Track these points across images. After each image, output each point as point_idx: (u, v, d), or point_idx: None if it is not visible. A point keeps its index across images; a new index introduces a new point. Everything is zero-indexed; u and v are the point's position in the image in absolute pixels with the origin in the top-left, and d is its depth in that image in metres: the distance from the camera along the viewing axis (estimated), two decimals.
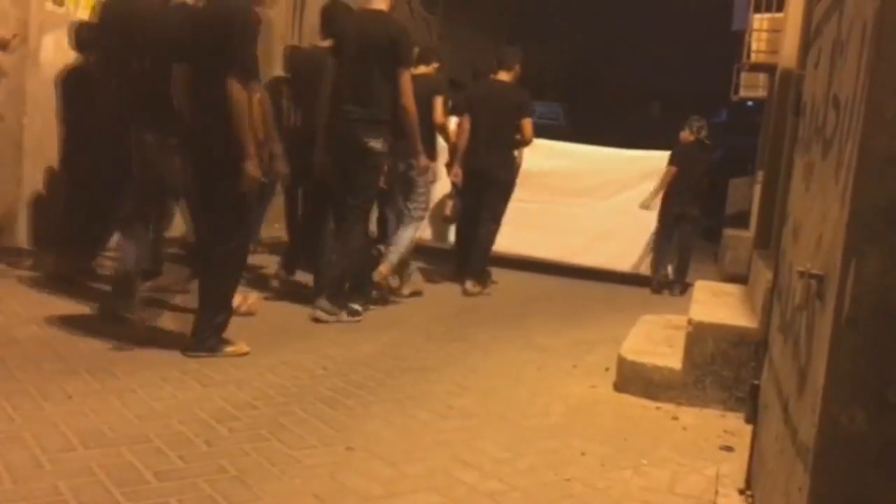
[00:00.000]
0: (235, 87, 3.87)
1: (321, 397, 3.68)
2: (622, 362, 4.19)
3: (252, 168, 3.91)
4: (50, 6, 5.95)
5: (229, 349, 4.11)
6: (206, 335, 4.09)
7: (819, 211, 1.90)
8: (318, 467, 2.92)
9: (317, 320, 5.00)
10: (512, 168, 6.69)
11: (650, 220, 7.47)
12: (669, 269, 7.44)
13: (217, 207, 4.10)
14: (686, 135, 7.48)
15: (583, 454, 3.26)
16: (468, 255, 6.72)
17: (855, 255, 1.50)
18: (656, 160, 7.56)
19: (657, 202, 7.44)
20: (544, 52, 17.47)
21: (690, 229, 7.49)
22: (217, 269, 4.13)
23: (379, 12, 5.13)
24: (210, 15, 4.09)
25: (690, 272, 7.57)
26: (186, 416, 3.29)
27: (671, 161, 7.37)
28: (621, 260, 7.59)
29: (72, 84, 5.27)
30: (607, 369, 4.39)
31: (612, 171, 7.75)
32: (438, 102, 5.90)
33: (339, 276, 5.12)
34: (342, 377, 4.01)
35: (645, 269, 7.56)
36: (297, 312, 5.37)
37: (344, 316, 5.06)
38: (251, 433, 3.18)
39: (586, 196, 7.63)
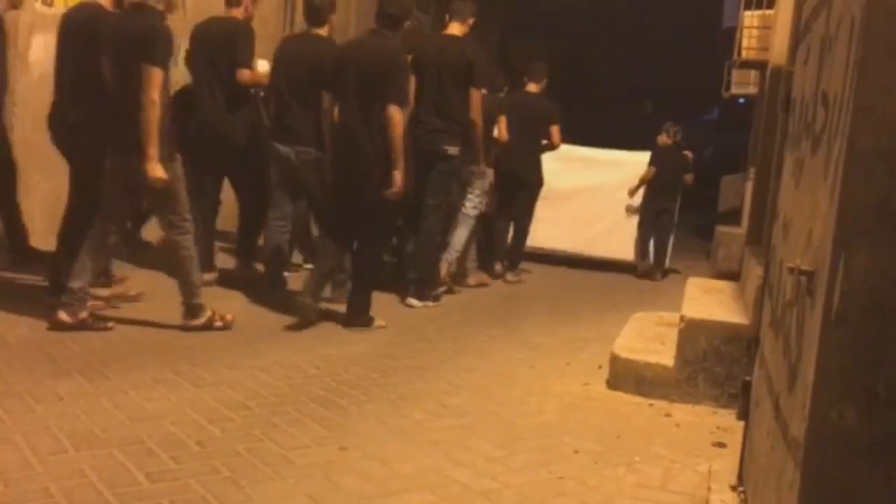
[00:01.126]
0: (397, 113, 4.77)
1: (314, 397, 3.68)
2: (615, 360, 4.20)
3: (400, 179, 4.85)
4: (39, 6, 5.92)
5: (377, 323, 5.05)
6: (364, 312, 5.02)
7: (809, 207, 1.90)
8: (311, 467, 2.92)
9: (410, 306, 5.70)
10: (540, 170, 7.36)
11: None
12: (651, 256, 8.16)
13: (371, 211, 4.96)
14: (663, 139, 8.25)
15: (576, 452, 3.26)
16: (497, 248, 7.49)
17: (844, 251, 1.50)
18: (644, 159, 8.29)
19: (638, 197, 8.18)
20: (536, 51, 17.48)
21: (668, 221, 8.18)
22: (373, 257, 5.15)
23: (457, 38, 5.99)
24: (372, 54, 4.95)
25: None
26: (179, 417, 3.28)
27: (651, 162, 8.09)
28: (623, 250, 8.24)
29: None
30: (600, 367, 4.39)
31: (609, 170, 8.43)
32: (502, 121, 6.71)
33: (426, 267, 5.85)
34: (335, 377, 4.00)
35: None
36: (288, 312, 5.37)
37: (430, 303, 5.78)
38: (244, 434, 3.18)
39: (592, 193, 8.33)
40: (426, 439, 3.29)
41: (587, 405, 3.89)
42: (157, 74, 4.17)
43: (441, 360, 4.51)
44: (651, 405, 3.93)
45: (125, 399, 3.43)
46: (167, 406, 3.40)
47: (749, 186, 6.92)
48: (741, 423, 2.96)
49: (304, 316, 4.88)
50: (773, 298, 2.46)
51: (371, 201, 4.91)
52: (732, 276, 5.62)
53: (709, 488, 2.86)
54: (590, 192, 8.28)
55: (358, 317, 5.02)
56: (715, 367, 3.92)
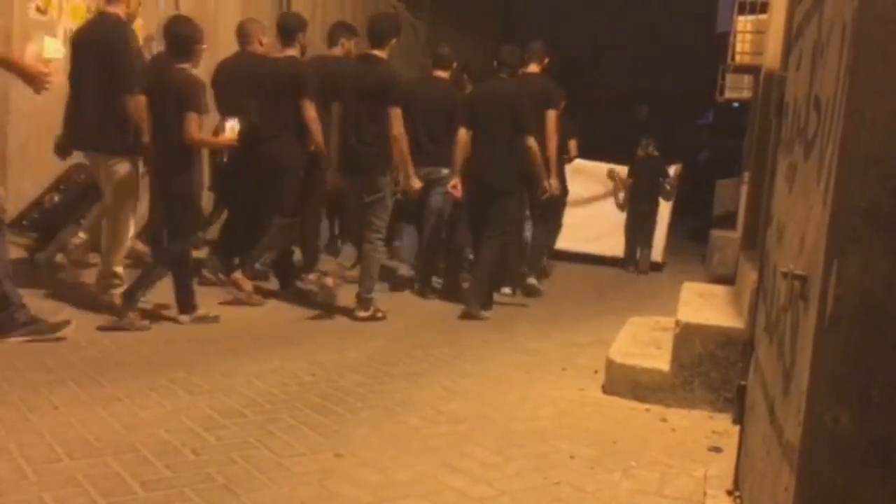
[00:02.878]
0: (534, 142, 6.03)
1: (310, 404, 3.67)
2: (610, 365, 4.20)
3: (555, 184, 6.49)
4: (33, 14, 5.92)
5: (485, 314, 5.84)
6: (486, 303, 5.91)
7: (802, 212, 1.90)
8: (306, 475, 2.91)
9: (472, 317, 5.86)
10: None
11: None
12: (637, 252, 9.41)
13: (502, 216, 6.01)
14: (640, 152, 9.58)
15: (572, 457, 3.25)
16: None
17: (837, 256, 1.50)
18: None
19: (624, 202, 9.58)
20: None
21: (651, 221, 9.40)
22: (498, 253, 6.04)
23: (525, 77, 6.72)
24: (505, 93, 6.17)
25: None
26: (173, 424, 3.27)
27: (629, 174, 9.50)
28: (616, 248, 9.44)
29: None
30: (596, 372, 4.39)
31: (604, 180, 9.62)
32: (573, 145, 7.55)
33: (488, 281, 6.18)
34: (331, 383, 3.99)
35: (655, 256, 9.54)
36: (284, 319, 5.37)
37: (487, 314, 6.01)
38: (239, 441, 3.16)
39: (595, 200, 9.56)
40: (422, 446, 3.28)
41: (583, 410, 3.89)
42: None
43: (436, 365, 4.51)
44: (647, 410, 3.93)
45: (120, 407, 3.42)
46: (162, 414, 3.39)
47: (744, 190, 6.94)
48: (737, 428, 2.96)
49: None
50: (767, 303, 2.47)
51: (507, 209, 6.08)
52: (728, 280, 5.63)
53: (705, 493, 2.86)
54: (585, 199, 9.31)
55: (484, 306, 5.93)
56: (710, 371, 3.91)
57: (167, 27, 4.99)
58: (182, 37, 4.90)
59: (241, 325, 5.03)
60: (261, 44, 6.08)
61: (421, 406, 3.77)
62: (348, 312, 5.50)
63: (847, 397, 1.51)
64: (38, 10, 5.96)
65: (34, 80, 4.32)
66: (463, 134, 6.03)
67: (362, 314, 5.48)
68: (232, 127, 5.31)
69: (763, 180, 4.30)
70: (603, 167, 9.61)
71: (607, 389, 4.16)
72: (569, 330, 5.68)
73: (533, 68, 6.95)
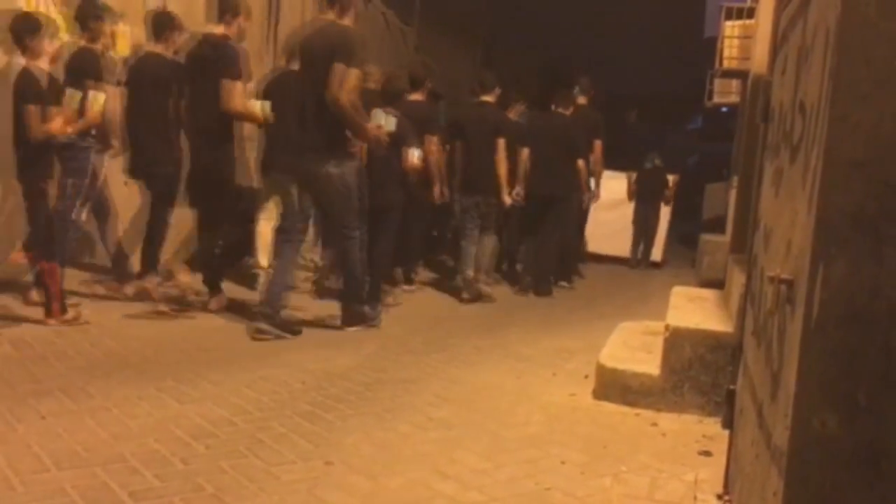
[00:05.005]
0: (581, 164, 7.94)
1: (299, 412, 3.66)
2: (601, 369, 4.20)
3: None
4: None
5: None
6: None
7: (788, 216, 1.91)
8: (296, 483, 2.90)
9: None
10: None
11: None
12: (640, 251, 10.67)
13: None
14: (648, 165, 10.83)
15: (563, 463, 3.25)
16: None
17: (822, 260, 1.50)
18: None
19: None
20: (520, 62, 17.51)
21: (653, 225, 10.65)
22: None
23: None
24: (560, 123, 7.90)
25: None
26: (162, 434, 3.25)
27: (636, 183, 10.67)
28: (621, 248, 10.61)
29: None
30: (586, 377, 4.39)
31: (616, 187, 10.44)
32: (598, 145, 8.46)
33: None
34: (321, 391, 3.98)
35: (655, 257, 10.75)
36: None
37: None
38: (228, 450, 3.15)
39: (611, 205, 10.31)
40: (412, 452, 3.27)
41: (573, 416, 3.89)
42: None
43: (427, 372, 4.50)
44: (637, 414, 3.93)
45: (108, 416, 3.40)
46: (151, 423, 3.38)
47: (733, 195, 6.97)
48: (727, 432, 2.96)
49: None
50: (755, 307, 2.47)
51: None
52: (718, 283, 5.64)
53: (695, 497, 2.86)
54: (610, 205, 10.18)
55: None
56: (700, 375, 3.92)
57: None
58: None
59: (231, 333, 5.00)
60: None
61: (411, 413, 3.76)
62: (331, 321, 5.45)
63: (834, 401, 1.51)
64: None
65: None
66: (525, 153, 7.35)
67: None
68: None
69: (751, 184, 4.31)
70: (618, 175, 10.52)
71: (598, 394, 4.16)
72: (559, 335, 5.69)
73: (582, 100, 8.31)
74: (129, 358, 4.29)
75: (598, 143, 8.24)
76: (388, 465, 3.12)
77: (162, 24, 5.87)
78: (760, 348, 2.16)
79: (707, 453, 3.42)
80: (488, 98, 7.18)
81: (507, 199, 7.09)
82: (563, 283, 8.05)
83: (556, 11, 21.00)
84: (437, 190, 6.75)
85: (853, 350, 1.49)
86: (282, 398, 3.83)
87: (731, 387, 2.85)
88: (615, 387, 4.09)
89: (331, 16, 5.19)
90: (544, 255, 7.61)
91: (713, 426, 3.70)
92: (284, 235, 5.27)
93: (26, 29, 4.99)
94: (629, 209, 10.54)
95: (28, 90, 4.90)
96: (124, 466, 2.91)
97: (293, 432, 3.40)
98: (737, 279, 3.94)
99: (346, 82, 4.90)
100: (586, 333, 5.61)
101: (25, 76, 4.95)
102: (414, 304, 6.55)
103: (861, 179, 1.49)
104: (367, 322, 5.40)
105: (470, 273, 6.96)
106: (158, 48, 5.83)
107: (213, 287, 5.64)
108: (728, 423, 2.79)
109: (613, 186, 10.03)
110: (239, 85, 5.39)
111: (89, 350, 4.38)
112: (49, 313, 4.78)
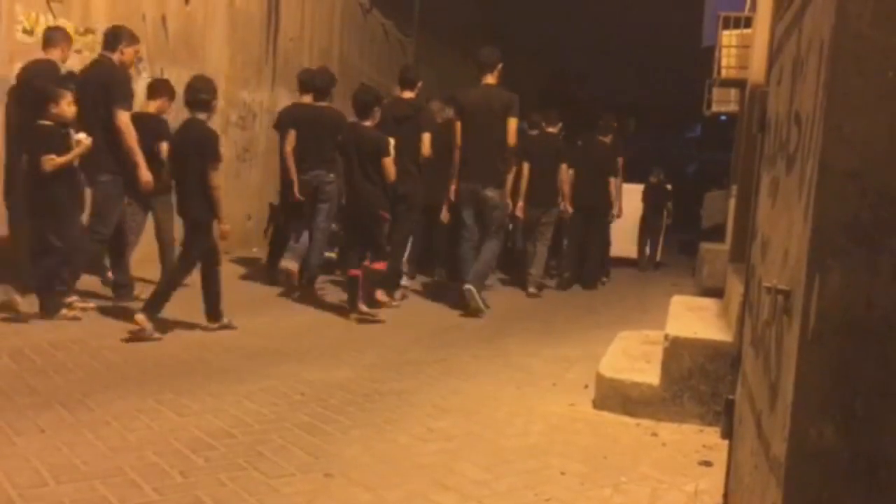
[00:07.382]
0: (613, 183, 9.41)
1: (299, 424, 3.65)
2: (601, 379, 4.19)
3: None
4: (20, 35, 5.92)
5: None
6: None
7: (785, 226, 1.91)
8: (296, 496, 2.89)
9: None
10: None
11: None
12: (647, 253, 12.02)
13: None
14: (653, 179, 12.17)
15: (562, 473, 3.24)
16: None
17: (818, 271, 1.51)
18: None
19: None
20: (518, 71, 17.59)
21: (657, 231, 12.07)
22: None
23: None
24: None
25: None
26: (161, 446, 3.25)
27: (643, 197, 11.84)
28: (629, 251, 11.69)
29: None
30: (586, 387, 4.39)
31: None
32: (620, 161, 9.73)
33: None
34: (320, 402, 3.98)
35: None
36: (273, 338, 5.35)
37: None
38: (228, 462, 3.14)
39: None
40: (412, 464, 3.26)
41: (573, 426, 3.88)
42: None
43: (426, 382, 4.50)
44: (637, 424, 3.92)
45: (107, 430, 3.40)
46: (150, 436, 3.37)
47: (732, 203, 6.99)
48: (727, 442, 2.95)
49: None
50: (753, 317, 2.47)
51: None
52: (718, 292, 5.64)
53: None
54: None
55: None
56: (700, 385, 3.92)
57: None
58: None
59: (229, 345, 5.00)
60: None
61: (411, 424, 3.76)
62: (339, 329, 5.48)
63: (831, 411, 1.51)
64: (25, 31, 5.96)
65: None
66: (564, 170, 8.70)
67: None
68: None
69: (750, 193, 4.31)
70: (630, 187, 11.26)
71: (598, 404, 4.16)
72: (559, 345, 5.68)
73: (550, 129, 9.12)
74: (128, 371, 4.29)
75: (620, 160, 9.57)
76: (388, 476, 3.11)
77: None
78: (758, 358, 2.16)
79: (707, 463, 3.42)
80: (553, 130, 8.86)
81: (569, 209, 8.82)
82: (604, 279, 9.64)
83: (555, 22, 21.06)
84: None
85: (850, 360, 1.49)
86: (281, 410, 3.82)
87: (730, 397, 2.85)
88: (615, 396, 4.09)
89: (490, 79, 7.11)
90: (594, 256, 9.22)
91: (713, 436, 3.69)
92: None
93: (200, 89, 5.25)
94: (635, 215, 11.33)
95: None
96: (123, 480, 2.90)
97: (293, 444, 3.39)
98: (736, 288, 3.94)
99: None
100: (586, 343, 5.61)
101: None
102: (412, 314, 6.55)
103: (856, 190, 1.49)
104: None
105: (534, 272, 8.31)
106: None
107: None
108: (727, 434, 2.78)
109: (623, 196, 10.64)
110: None
111: (88, 363, 4.38)
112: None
